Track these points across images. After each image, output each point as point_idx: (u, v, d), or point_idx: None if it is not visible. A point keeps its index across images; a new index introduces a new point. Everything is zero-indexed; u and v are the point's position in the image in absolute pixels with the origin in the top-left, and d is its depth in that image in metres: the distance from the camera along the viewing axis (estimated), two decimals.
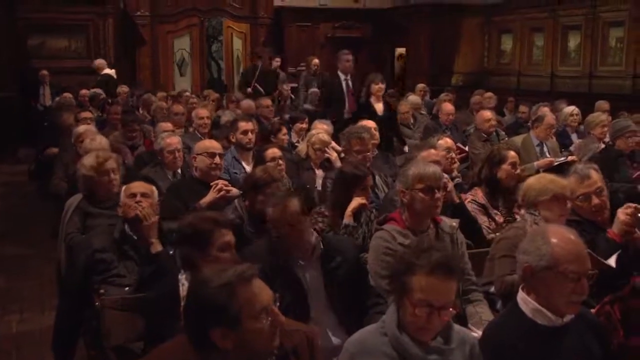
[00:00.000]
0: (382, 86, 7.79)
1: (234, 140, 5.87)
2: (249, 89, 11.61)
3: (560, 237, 2.37)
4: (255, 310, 1.99)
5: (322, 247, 3.18)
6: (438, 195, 3.30)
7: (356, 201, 4.00)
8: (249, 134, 5.79)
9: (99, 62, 12.22)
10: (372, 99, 7.72)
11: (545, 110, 7.52)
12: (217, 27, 17.01)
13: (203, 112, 7.56)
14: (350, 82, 8.64)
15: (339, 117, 8.13)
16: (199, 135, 7.07)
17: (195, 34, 15.29)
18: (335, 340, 3.06)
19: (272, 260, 3.06)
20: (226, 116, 8.02)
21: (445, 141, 5.13)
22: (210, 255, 2.85)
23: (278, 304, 2.07)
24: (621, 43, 11.85)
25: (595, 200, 3.67)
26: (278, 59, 13.01)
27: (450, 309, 2.22)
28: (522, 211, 3.60)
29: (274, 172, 4.15)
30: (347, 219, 3.96)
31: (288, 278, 3.04)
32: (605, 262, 3.19)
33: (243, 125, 5.85)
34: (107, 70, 12.13)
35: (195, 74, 15.36)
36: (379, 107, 7.76)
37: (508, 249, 3.30)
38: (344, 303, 3.12)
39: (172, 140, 5.57)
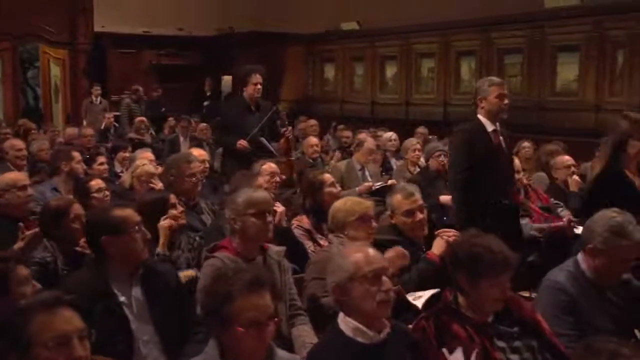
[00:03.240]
0: None
1: (66, 169, 5.65)
2: (241, 142, 6.34)
3: (355, 249, 2.62)
4: (46, 338, 1.95)
5: (142, 269, 3.04)
6: (269, 219, 3.39)
7: (163, 227, 3.88)
8: (82, 163, 5.80)
9: None
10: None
11: (364, 136, 7.89)
12: (32, 52, 16.06)
13: (19, 143, 7.07)
14: (502, 136, 4.80)
15: (486, 205, 4.48)
16: (13, 169, 6.61)
17: (8, 59, 14.29)
18: None
19: (93, 287, 2.87)
20: (37, 145, 7.49)
21: (269, 166, 5.27)
22: None
23: (93, 339, 2.01)
24: (432, 73, 12.74)
25: (420, 216, 3.89)
26: (98, 87, 12.55)
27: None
28: (330, 235, 3.75)
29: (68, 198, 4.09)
30: (161, 248, 3.84)
31: (110, 304, 2.88)
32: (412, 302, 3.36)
33: (77, 155, 5.78)
34: None
35: (8, 101, 14.34)
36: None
37: (317, 271, 3.44)
38: (170, 332, 2.99)
39: None
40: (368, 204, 3.79)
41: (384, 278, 2.52)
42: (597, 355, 1.97)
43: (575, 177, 5.84)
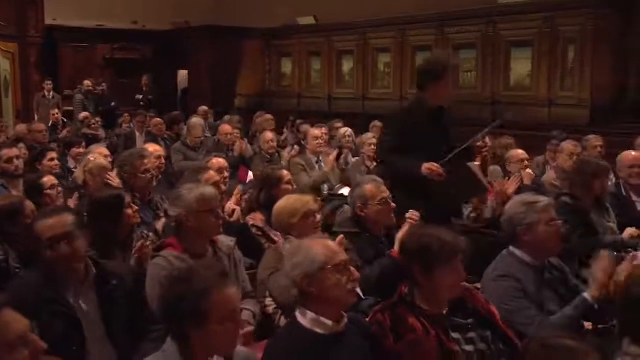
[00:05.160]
0: None
1: None
2: (430, 167, 4.26)
3: (316, 241, 2.62)
4: (10, 339, 1.92)
5: (95, 271, 2.97)
6: (220, 214, 3.42)
7: None
8: (14, 160, 5.59)
9: None
10: None
11: (307, 127, 7.93)
12: None
13: None
14: None
15: None
16: None
17: None
18: None
19: (42, 290, 2.81)
20: None
21: (218, 161, 5.25)
22: None
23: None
24: (389, 68, 12.82)
25: (392, 204, 3.94)
26: (50, 82, 12.28)
27: None
28: (282, 236, 3.77)
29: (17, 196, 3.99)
30: None
31: (59, 307, 2.81)
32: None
33: (6, 152, 5.62)
34: None
35: None
36: None
37: (273, 266, 3.44)
38: (122, 332, 2.95)
39: None
40: (308, 198, 3.77)
41: (352, 268, 2.57)
42: (552, 352, 1.99)
43: (529, 170, 5.93)
